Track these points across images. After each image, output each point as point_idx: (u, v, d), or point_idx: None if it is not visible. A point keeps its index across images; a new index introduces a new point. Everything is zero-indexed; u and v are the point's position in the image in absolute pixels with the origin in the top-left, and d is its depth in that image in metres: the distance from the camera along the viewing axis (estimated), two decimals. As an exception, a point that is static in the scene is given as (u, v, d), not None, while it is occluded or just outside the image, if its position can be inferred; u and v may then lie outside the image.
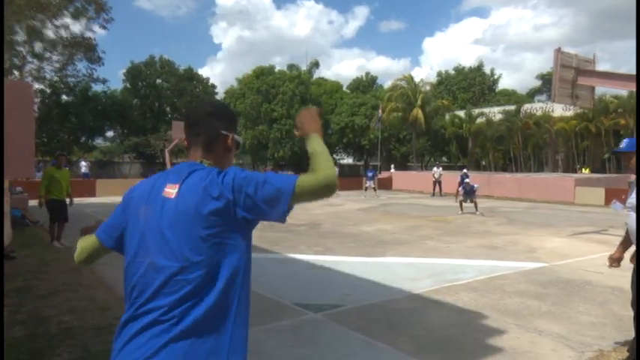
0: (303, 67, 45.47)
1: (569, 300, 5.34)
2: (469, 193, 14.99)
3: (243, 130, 37.18)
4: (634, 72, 10.78)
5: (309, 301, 5.12)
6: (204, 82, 40.10)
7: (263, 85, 36.97)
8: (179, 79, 38.50)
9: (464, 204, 15.10)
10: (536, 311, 4.91)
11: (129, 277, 1.41)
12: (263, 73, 38.19)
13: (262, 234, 9.95)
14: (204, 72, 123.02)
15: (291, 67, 42.33)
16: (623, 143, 3.44)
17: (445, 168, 41.10)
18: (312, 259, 7.52)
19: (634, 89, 18.98)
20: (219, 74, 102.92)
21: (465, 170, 20.86)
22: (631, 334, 4.23)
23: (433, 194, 23.35)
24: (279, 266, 7.01)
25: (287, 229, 10.71)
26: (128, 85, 37.55)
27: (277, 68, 40.28)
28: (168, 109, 40.21)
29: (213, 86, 41.17)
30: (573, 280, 6.31)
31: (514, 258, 7.82)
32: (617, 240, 10.78)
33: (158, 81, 39.08)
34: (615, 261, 3.40)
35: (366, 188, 22.49)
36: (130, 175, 34.35)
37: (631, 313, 4.88)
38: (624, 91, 25.99)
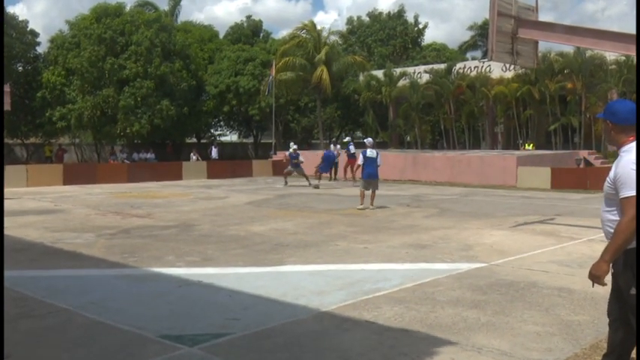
0: (164, 8, 44.02)
1: (512, 307, 5.81)
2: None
3: (79, 96, 35.18)
4: (580, 24, 11.86)
5: (182, 332, 5.04)
6: (19, 28, 37.18)
7: (107, 31, 35.05)
8: (-21, 21, 35.36)
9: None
10: (473, 324, 5.29)
11: None
12: (107, 15, 36.17)
13: (111, 241, 9.59)
14: (18, 11, 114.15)
15: (145, 5, 40.72)
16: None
17: (359, 145, 42.37)
18: (184, 273, 7.38)
19: (581, 45, 20.96)
20: (40, 14, 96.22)
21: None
22: (579, 343, 4.73)
23: (333, 178, 24.67)
24: (137, 286, 6.81)
25: (148, 234, 10.41)
26: None
27: (128, 7, 38.55)
28: (-37, 65, 36.74)
29: (34, 33, 38.40)
30: (516, 282, 6.88)
31: (446, 258, 8.32)
32: (565, 231, 11.89)
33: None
34: (602, 277, 3.52)
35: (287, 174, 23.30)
36: None
37: (580, 317, 5.46)
38: (570, 47, 28.59)
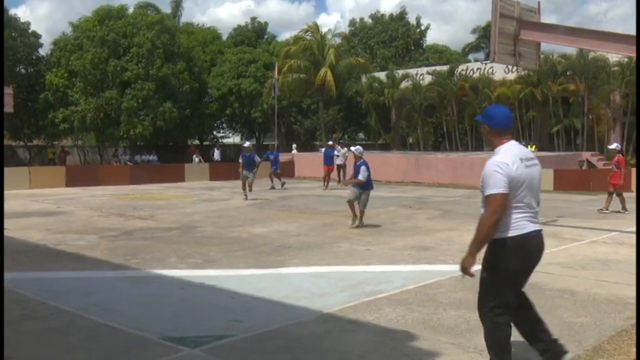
0: (166, 10, 44.05)
1: (515, 309, 5.80)
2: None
3: (82, 98, 35.24)
4: (582, 26, 11.86)
5: (184, 333, 5.05)
6: (21, 29, 37.27)
7: (109, 33, 35.11)
8: (-19, 23, 35.46)
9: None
10: (476, 325, 5.26)
11: None
12: (110, 17, 36.25)
13: (114, 243, 9.60)
14: (21, 13, 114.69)
15: (147, 6, 40.75)
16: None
17: (362, 147, 42.30)
18: (186, 275, 7.40)
19: (584, 47, 20.97)
20: (43, 17, 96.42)
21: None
22: (582, 345, 4.72)
23: (339, 181, 24.33)
24: (139, 287, 6.82)
25: (150, 236, 10.43)
26: None
27: (131, 9, 38.61)
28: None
29: (36, 35, 38.48)
30: (519, 283, 6.87)
31: (449, 260, 8.29)
32: (568, 232, 11.83)
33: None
34: (469, 268, 3.86)
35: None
36: None
37: (582, 319, 5.44)
38: (573, 49, 28.55)
